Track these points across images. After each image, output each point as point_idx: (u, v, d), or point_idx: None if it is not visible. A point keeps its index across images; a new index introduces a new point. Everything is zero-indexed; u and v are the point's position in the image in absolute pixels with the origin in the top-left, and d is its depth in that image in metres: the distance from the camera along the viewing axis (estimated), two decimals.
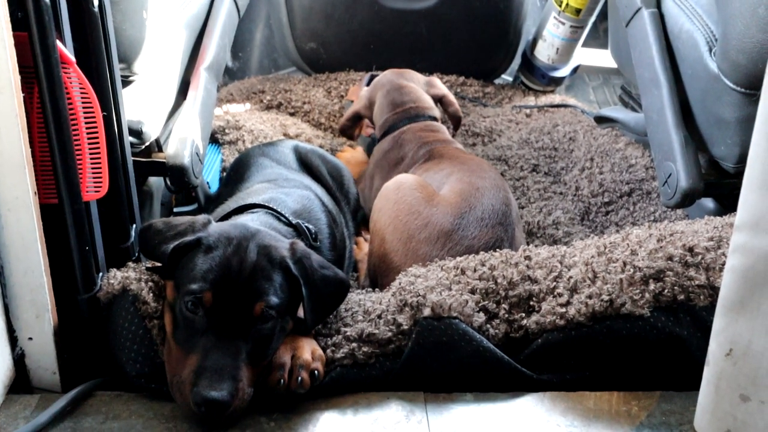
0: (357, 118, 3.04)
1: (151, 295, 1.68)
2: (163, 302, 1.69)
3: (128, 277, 1.70)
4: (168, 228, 1.74)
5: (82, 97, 1.60)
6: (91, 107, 1.62)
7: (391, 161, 2.72)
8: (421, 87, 3.01)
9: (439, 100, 3.02)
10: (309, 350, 1.64)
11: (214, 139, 3.09)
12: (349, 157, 3.16)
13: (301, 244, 1.76)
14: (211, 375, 1.48)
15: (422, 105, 2.89)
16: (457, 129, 3.07)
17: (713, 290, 1.66)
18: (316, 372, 1.61)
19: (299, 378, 1.58)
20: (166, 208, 2.58)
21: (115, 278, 1.70)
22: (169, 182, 2.26)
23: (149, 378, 1.63)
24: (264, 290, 1.60)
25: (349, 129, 3.05)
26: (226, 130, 3.10)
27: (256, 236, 1.69)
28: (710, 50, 2.09)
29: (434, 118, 2.87)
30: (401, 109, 2.86)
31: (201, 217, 1.76)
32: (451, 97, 3.07)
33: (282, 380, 1.57)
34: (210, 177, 2.80)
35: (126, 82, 2.09)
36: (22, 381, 1.64)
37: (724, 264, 1.66)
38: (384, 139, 2.84)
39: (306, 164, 2.62)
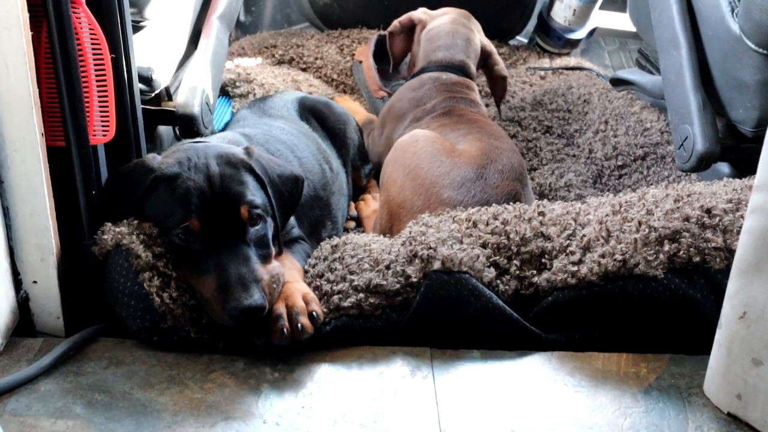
0: (410, 28, 2.90)
1: (142, 246, 1.62)
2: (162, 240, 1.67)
3: (120, 231, 1.64)
4: (119, 183, 1.72)
5: (91, 39, 1.58)
6: (100, 49, 1.60)
7: (414, 101, 2.63)
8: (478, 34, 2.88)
9: (488, 55, 2.88)
10: (299, 296, 1.63)
11: (225, 92, 3.06)
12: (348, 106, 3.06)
13: (254, 147, 1.78)
14: (236, 287, 1.52)
15: (469, 61, 2.76)
16: (503, 94, 2.92)
17: (730, 253, 1.63)
18: (314, 313, 1.60)
19: (299, 324, 1.57)
20: None
21: (108, 233, 1.65)
22: (178, 132, 2.24)
23: (151, 332, 1.60)
24: (242, 193, 1.63)
25: (399, 34, 2.91)
26: (237, 83, 3.07)
27: (208, 149, 1.70)
28: (732, 11, 2.05)
29: (469, 76, 2.75)
30: (451, 55, 2.74)
31: (148, 156, 1.72)
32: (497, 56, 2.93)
33: (284, 329, 1.56)
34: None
35: (137, 28, 2.07)
36: (25, 324, 1.63)
37: (742, 227, 1.64)
38: (415, 77, 2.73)
39: (309, 113, 2.57)
